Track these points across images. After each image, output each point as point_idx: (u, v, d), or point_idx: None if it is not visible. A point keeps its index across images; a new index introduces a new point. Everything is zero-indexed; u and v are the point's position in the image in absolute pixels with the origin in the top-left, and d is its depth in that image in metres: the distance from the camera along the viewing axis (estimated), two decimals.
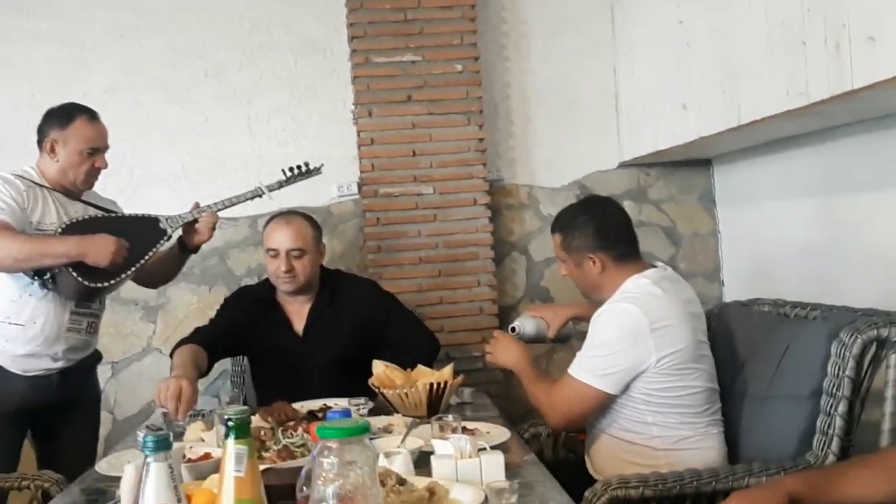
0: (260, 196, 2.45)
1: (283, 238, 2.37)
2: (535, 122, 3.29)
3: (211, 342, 2.30)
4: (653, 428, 1.85)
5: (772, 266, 2.93)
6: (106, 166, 2.34)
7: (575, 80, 3.30)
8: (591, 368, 1.86)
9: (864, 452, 1.62)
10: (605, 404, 1.89)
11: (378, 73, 3.06)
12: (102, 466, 1.69)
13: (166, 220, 2.35)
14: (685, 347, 1.83)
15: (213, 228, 2.40)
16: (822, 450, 1.71)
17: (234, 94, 3.16)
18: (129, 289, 3.08)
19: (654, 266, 2.00)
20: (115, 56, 3.11)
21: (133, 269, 2.26)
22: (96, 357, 2.48)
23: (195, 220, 2.37)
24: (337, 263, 2.93)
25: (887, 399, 1.73)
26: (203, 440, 1.77)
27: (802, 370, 1.78)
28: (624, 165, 3.28)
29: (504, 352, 2.11)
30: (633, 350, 1.82)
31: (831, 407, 1.71)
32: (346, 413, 1.79)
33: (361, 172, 3.09)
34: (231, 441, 0.96)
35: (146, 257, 2.29)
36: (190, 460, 1.59)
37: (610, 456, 1.91)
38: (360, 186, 3.12)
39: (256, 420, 1.79)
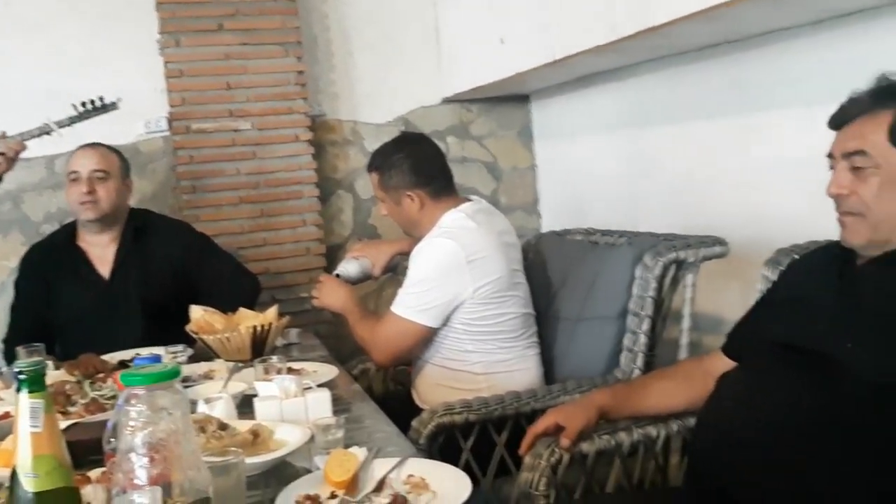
0: (48, 133, 2.25)
1: (85, 160, 2.25)
2: (356, 56, 3.22)
3: (35, 336, 1.83)
4: (473, 355, 1.93)
5: (585, 197, 3.08)
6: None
7: (395, 11, 3.24)
8: (411, 304, 1.90)
9: (665, 366, 1.76)
10: (427, 337, 1.94)
11: None
12: None
13: None
14: (500, 277, 1.90)
15: (14, 161, 2.21)
16: (629, 366, 1.84)
17: (23, 21, 2.83)
18: None
19: (470, 200, 2.04)
20: None
21: None
22: None
23: None
24: (148, 206, 2.74)
25: (685, 316, 1.89)
26: (2, 399, 1.62)
27: (610, 293, 1.90)
28: (447, 101, 3.30)
29: (329, 294, 2.11)
30: (451, 283, 1.87)
31: (636, 326, 1.84)
32: (156, 359, 1.70)
33: (171, 107, 2.89)
34: (24, 395, 0.87)
35: None
36: None
37: (434, 385, 1.97)
38: (169, 122, 2.92)
39: (61, 374, 1.66)
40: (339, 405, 1.51)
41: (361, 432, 1.45)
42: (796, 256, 1.55)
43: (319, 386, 1.54)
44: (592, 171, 3.04)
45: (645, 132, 2.72)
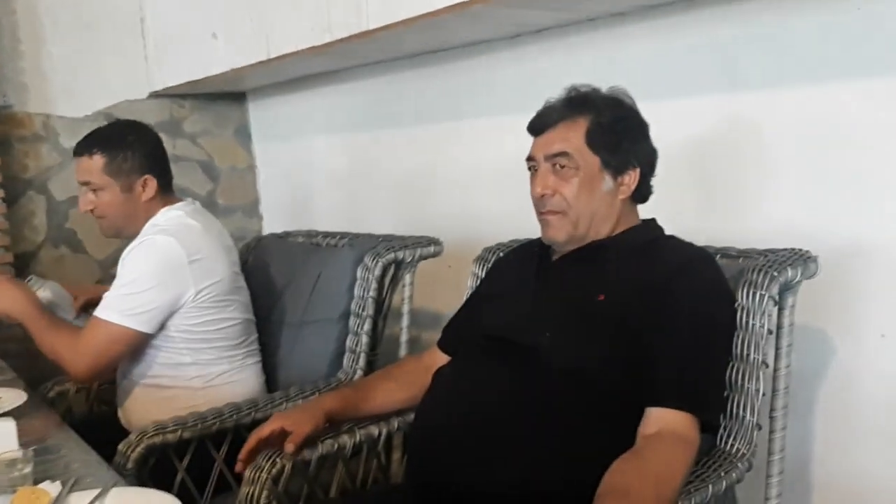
0: None
1: None
2: (48, 44, 2.88)
3: None
4: (190, 368, 1.79)
5: (307, 199, 3.05)
6: None
7: None
8: (123, 308, 1.70)
9: (389, 363, 1.79)
10: (138, 346, 1.76)
11: None
12: None
13: None
14: (222, 279, 1.80)
15: None
16: (352, 367, 1.84)
17: None
18: None
19: (182, 200, 1.91)
20: None
21: None
22: None
23: None
24: None
25: (404, 314, 1.93)
26: None
27: (333, 295, 1.89)
28: (156, 95, 3.08)
29: (4, 296, 1.77)
30: (172, 284, 1.72)
31: (358, 326, 1.85)
32: None
33: None
34: None
35: None
36: None
37: (147, 405, 1.79)
38: None
39: None
40: (28, 436, 1.33)
41: (56, 464, 1.29)
42: (501, 254, 1.65)
43: (2, 415, 1.35)
44: (315, 172, 3.02)
45: (366, 135, 2.76)
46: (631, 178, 1.36)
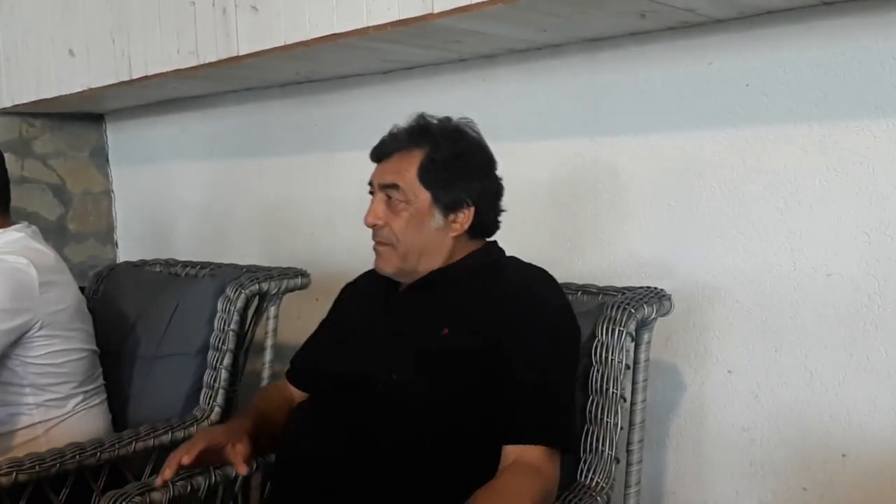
0: None
1: None
2: None
3: None
4: (35, 411, 1.64)
5: (168, 227, 2.92)
6: None
7: None
8: None
9: (248, 401, 1.71)
10: None
11: None
12: None
13: None
14: (70, 305, 1.67)
15: None
16: (209, 403, 1.75)
17: None
18: None
19: (19, 223, 1.76)
20: None
21: None
22: None
23: None
24: None
25: (267, 348, 1.87)
26: None
27: (191, 327, 1.81)
28: (4, 112, 2.87)
29: None
30: (23, 308, 1.58)
31: (217, 361, 1.77)
32: None
33: None
34: None
35: None
36: None
37: None
38: None
39: None
40: None
41: None
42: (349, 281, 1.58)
43: None
44: (176, 199, 2.90)
45: (232, 162, 2.68)
46: (464, 217, 1.33)
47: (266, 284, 1.82)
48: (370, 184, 1.37)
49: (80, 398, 1.72)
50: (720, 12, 1.51)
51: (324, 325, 1.51)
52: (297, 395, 1.45)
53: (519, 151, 1.44)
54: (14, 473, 1.44)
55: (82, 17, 2.44)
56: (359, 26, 1.67)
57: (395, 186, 1.32)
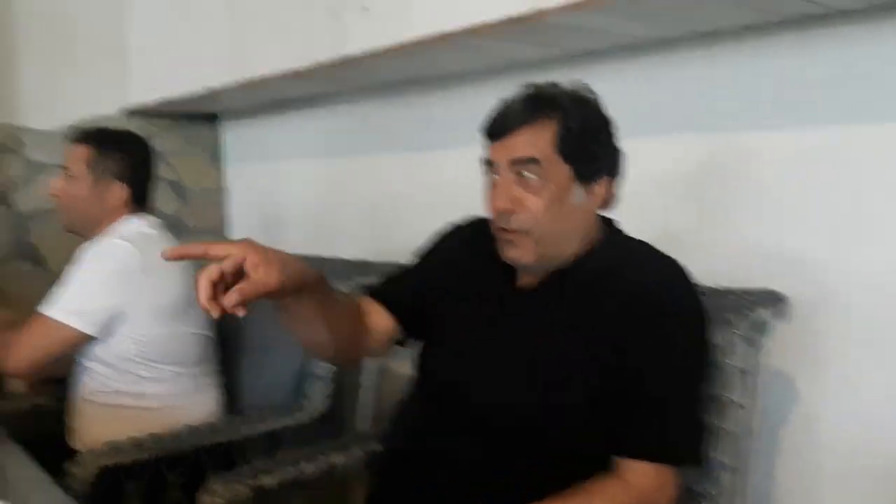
0: None
1: None
2: (20, 54, 2.84)
3: None
4: (147, 385, 1.74)
5: (278, 222, 3.02)
6: None
7: (72, 11, 2.92)
8: (66, 306, 1.68)
9: (354, 391, 1.75)
10: (78, 346, 1.71)
11: None
12: None
13: None
14: (178, 292, 1.76)
15: None
16: (315, 393, 1.80)
17: None
18: None
19: (147, 215, 1.90)
20: None
21: None
22: None
23: None
24: None
25: None
26: None
27: None
28: (129, 113, 3.03)
29: None
30: (119, 289, 1.69)
31: None
32: None
33: None
34: None
35: None
36: None
37: (100, 427, 1.73)
38: None
39: None
40: None
41: (1, 483, 1.23)
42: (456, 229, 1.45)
43: None
44: (287, 196, 2.99)
45: (341, 160, 2.74)
46: (602, 187, 1.21)
47: (371, 279, 1.85)
48: (489, 163, 1.21)
49: (190, 380, 1.81)
50: (845, 3, 1.44)
51: (423, 269, 1.38)
52: (372, 316, 1.30)
53: (630, 148, 1.40)
54: (135, 453, 1.52)
55: (202, 22, 2.56)
56: (469, 24, 1.68)
57: (532, 161, 1.16)
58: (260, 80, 2.34)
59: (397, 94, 2.45)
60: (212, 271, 0.94)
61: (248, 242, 0.98)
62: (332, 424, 1.82)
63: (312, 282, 1.07)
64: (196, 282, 0.95)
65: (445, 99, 2.30)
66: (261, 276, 0.95)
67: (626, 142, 1.31)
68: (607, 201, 1.24)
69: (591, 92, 1.24)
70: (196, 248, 0.97)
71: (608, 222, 1.30)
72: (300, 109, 2.85)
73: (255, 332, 1.92)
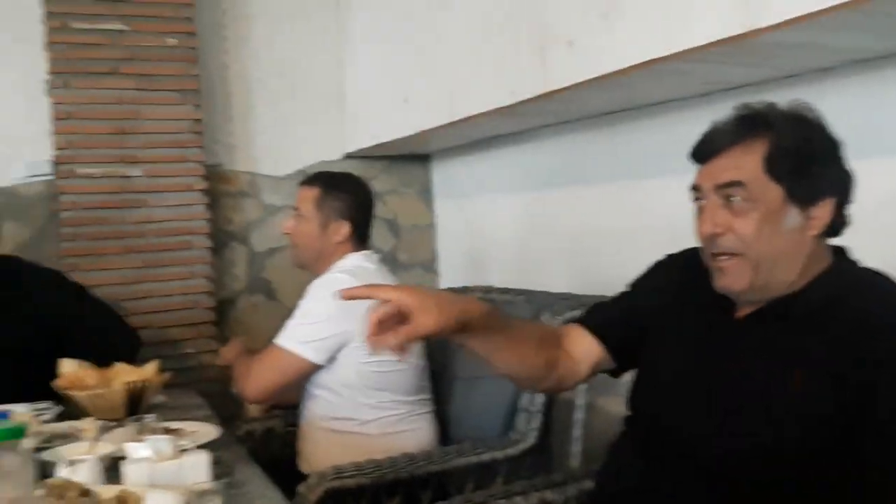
0: None
1: None
2: (257, 108, 3.16)
3: None
4: (367, 411, 1.85)
5: (482, 256, 3.09)
6: None
7: (300, 67, 3.21)
8: (296, 336, 1.84)
9: (563, 427, 1.73)
10: (307, 374, 1.86)
11: (78, 39, 2.72)
12: None
13: None
14: None
15: None
16: (525, 427, 1.81)
17: None
18: None
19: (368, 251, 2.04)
20: None
21: None
22: None
23: None
24: (25, 254, 2.55)
25: None
26: None
27: None
28: (349, 157, 3.27)
29: (228, 349, 2.10)
30: (341, 319, 1.80)
31: None
32: (3, 416, 1.53)
33: (56, 150, 2.73)
34: None
35: None
36: None
37: (325, 451, 1.86)
38: (54, 166, 2.76)
39: None
40: (219, 469, 1.40)
41: (243, 499, 1.35)
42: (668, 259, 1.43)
43: (199, 447, 1.43)
44: (491, 230, 3.06)
45: (544, 193, 2.76)
46: (823, 211, 1.12)
47: (579, 311, 1.82)
48: (695, 189, 1.19)
49: (407, 408, 1.89)
50: None
51: (635, 299, 1.36)
52: (577, 343, 1.31)
53: (862, 169, 1.27)
54: (357, 477, 1.60)
55: (416, 69, 2.70)
56: (675, 50, 1.64)
57: (737, 184, 1.12)
58: (467, 119, 2.43)
59: (602, 124, 2.43)
60: (379, 312, 1.08)
61: (408, 288, 1.10)
62: (540, 459, 1.82)
63: (479, 317, 1.13)
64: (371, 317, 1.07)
65: (653, 127, 2.25)
66: (419, 321, 1.05)
67: (857, 162, 1.20)
68: (832, 226, 1.16)
69: (811, 110, 1.17)
70: (364, 291, 1.13)
71: (839, 250, 1.20)
72: (503, 146, 2.91)
73: (465, 362, 1.97)
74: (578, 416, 1.86)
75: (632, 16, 1.74)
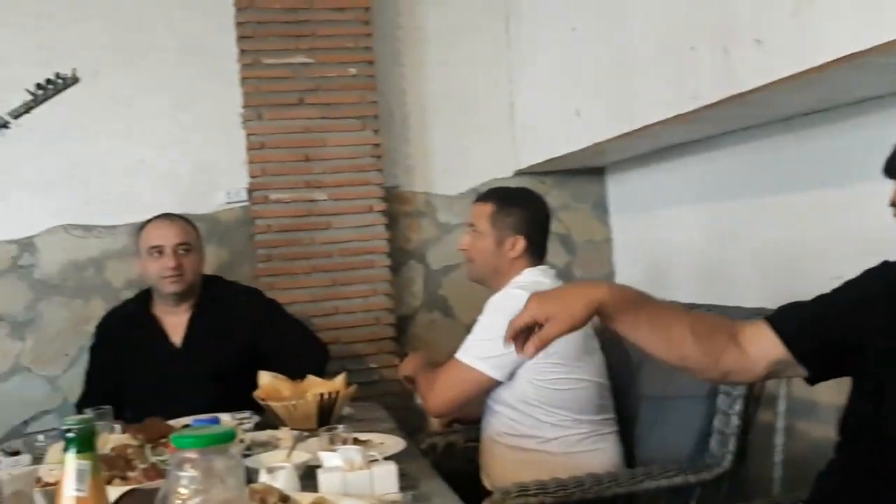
0: (6, 126, 2.17)
1: (168, 233, 2.27)
2: (431, 129, 3.24)
3: (106, 401, 1.94)
4: (548, 429, 1.82)
5: (664, 270, 2.97)
6: None
7: (471, 86, 3.26)
8: (476, 352, 1.84)
9: (760, 451, 1.61)
10: (486, 389, 1.86)
11: (268, 74, 2.93)
12: None
13: None
14: (574, 337, 1.80)
15: None
16: (720, 450, 1.70)
17: (113, 95, 2.94)
18: None
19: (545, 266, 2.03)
20: None
21: None
22: None
23: None
24: (225, 274, 2.76)
25: (780, 397, 1.74)
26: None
27: None
28: (520, 173, 3.26)
29: (406, 362, 2.13)
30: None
31: (728, 406, 1.71)
32: (214, 421, 1.64)
33: (251, 178, 2.94)
34: (71, 455, 0.83)
35: None
36: (46, 484, 1.42)
37: (507, 468, 1.85)
38: (249, 192, 2.97)
39: (124, 438, 1.63)
40: (405, 481, 1.43)
41: None
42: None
43: (386, 459, 1.46)
44: (672, 244, 2.93)
45: (729, 203, 2.61)
46: None
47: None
48: (894, 204, 1.15)
49: (589, 427, 1.84)
50: None
51: (840, 304, 1.28)
52: (760, 345, 1.25)
53: None
54: (541, 495, 1.57)
55: (588, 80, 2.65)
56: (882, 41, 1.49)
57: None
58: (645, 128, 2.35)
59: (792, 128, 2.27)
60: (516, 325, 1.27)
61: (537, 301, 1.27)
62: (737, 485, 1.70)
63: (612, 302, 1.22)
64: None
65: (856, 128, 2.06)
66: (550, 330, 1.22)
67: None
68: None
69: None
70: (511, 333, 1.29)
71: None
72: (683, 155, 2.79)
73: (652, 381, 1.89)
74: (779, 440, 1.73)
75: (826, 7, 1.61)
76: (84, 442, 0.84)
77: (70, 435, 0.84)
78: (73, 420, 0.85)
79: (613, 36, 2.49)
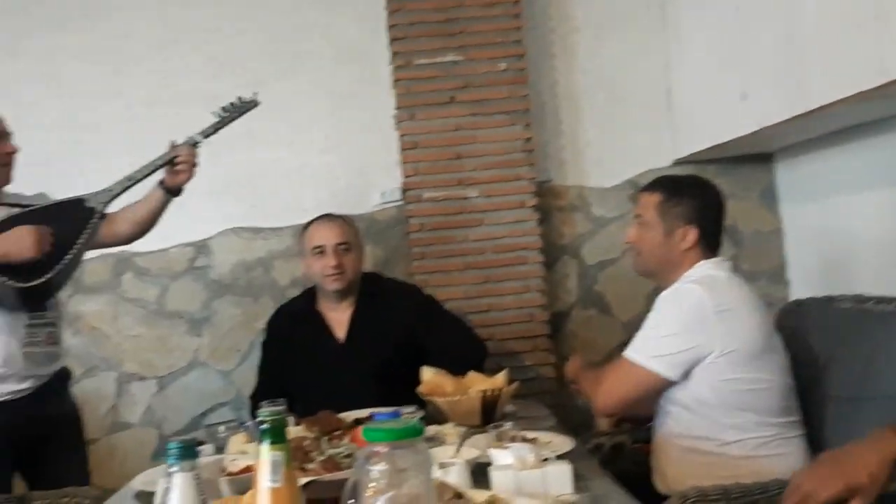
0: (196, 144, 2.27)
1: (329, 233, 2.34)
2: (584, 121, 3.16)
3: (278, 394, 1.92)
4: (728, 432, 1.71)
5: (843, 262, 2.74)
6: (14, 150, 2.13)
7: (625, 76, 3.16)
8: (646, 350, 1.76)
9: None
10: (658, 389, 1.78)
11: (419, 75, 2.97)
12: (138, 482, 1.60)
13: (94, 196, 2.16)
14: (754, 334, 1.70)
15: (194, 166, 2.26)
16: None
17: (275, 104, 3.06)
18: (174, 301, 3.05)
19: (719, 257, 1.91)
20: (155, 69, 3.07)
21: (69, 256, 2.04)
22: (65, 375, 2.26)
23: (172, 162, 2.23)
24: (382, 271, 2.83)
25: None
26: (245, 452, 1.67)
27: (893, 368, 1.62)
28: (679, 163, 3.12)
29: (569, 365, 2.10)
30: (695, 333, 1.71)
31: None
32: (396, 414, 1.66)
33: (404, 177, 2.99)
34: (266, 447, 0.85)
35: (80, 240, 2.08)
36: (230, 473, 1.49)
37: (684, 471, 1.75)
38: (403, 192, 3.02)
39: (300, 430, 1.69)
40: (577, 481, 1.38)
41: None
42: None
43: (557, 458, 1.42)
44: (852, 233, 2.70)
45: None
46: None
47: None
48: None
49: (774, 430, 1.73)
50: None
51: None
52: None
53: None
54: (722, 501, 1.48)
55: (754, 60, 2.50)
56: None
57: None
58: (821, 109, 2.17)
59: None
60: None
61: (838, 472, 1.20)
62: None
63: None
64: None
65: None
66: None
67: None
68: None
69: None
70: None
71: None
72: (862, 137, 2.56)
73: (843, 380, 1.74)
74: None
75: None
76: (277, 433, 0.86)
77: (265, 426, 0.86)
78: (267, 411, 0.87)
79: (782, 11, 2.32)
